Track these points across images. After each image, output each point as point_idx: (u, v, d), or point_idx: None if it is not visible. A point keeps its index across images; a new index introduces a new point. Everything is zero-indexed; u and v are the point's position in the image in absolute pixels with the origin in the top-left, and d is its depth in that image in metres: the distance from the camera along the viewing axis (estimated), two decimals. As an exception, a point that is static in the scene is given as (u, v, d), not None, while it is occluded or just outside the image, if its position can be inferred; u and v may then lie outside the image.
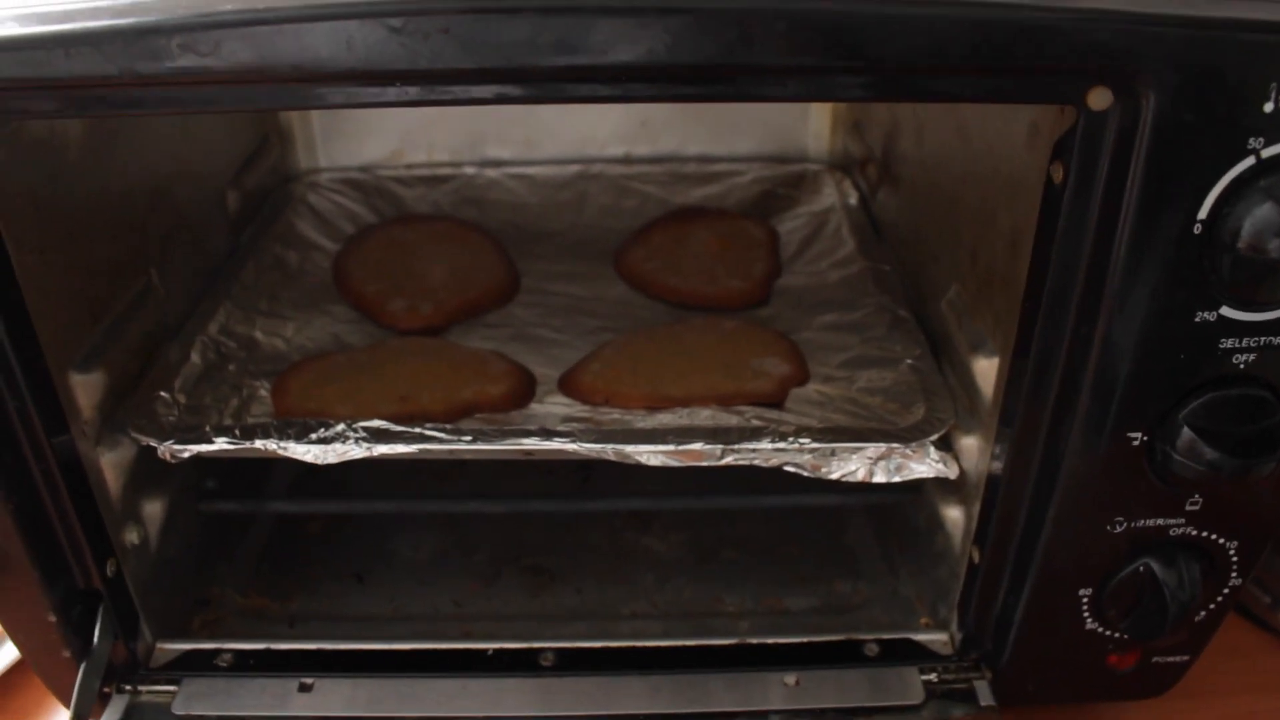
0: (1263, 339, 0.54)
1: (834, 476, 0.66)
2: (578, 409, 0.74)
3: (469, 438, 0.65)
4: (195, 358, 0.75)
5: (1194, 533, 0.61)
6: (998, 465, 0.62)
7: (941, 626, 0.72)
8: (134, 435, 0.66)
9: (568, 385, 0.76)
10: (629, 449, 0.65)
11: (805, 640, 0.71)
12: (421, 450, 0.65)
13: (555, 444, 0.65)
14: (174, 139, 0.78)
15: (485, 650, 0.70)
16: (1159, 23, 0.48)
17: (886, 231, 0.92)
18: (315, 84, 0.46)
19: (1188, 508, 0.60)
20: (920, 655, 0.71)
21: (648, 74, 0.47)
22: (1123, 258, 0.52)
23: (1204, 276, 0.52)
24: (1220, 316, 0.53)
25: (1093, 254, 0.52)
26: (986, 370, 0.64)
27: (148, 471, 0.69)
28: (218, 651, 0.70)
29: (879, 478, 0.66)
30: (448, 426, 0.66)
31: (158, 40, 0.45)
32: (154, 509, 0.71)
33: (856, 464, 0.66)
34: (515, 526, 0.87)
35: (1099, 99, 0.49)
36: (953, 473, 0.66)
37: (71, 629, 0.63)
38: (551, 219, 1.01)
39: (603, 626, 0.77)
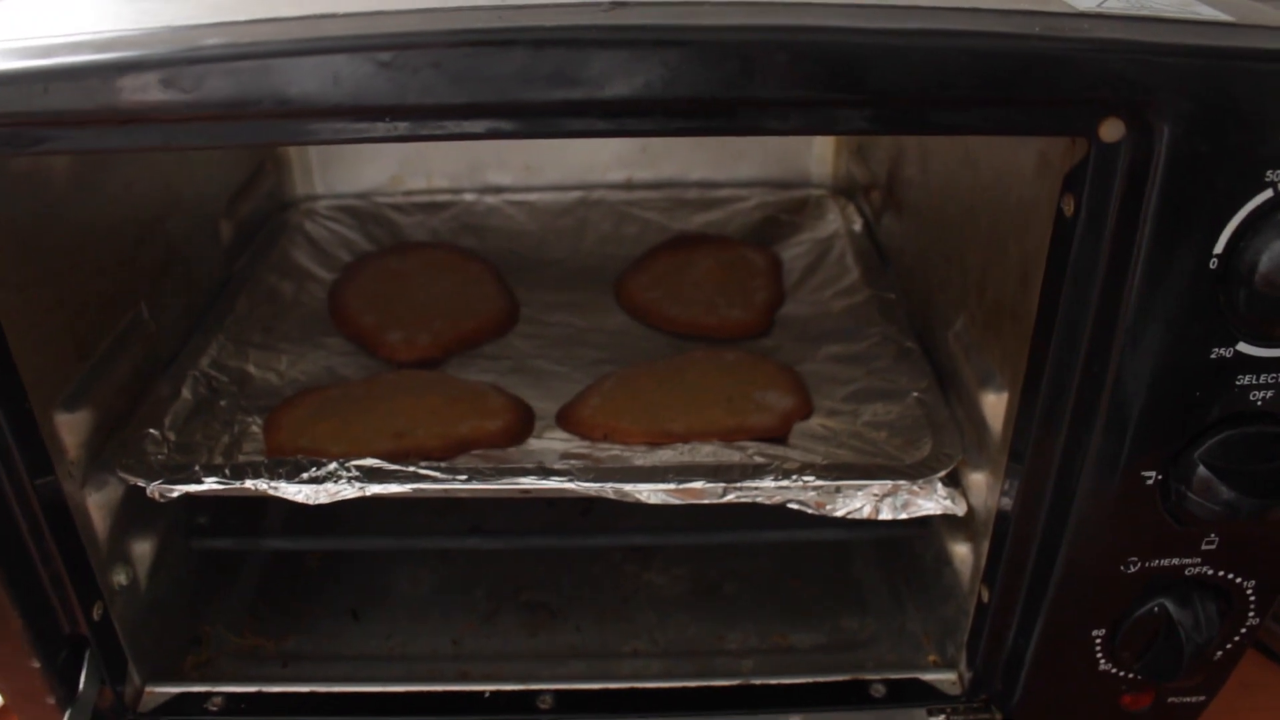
0: (1280, 375, 0.52)
1: (839, 514, 0.65)
2: (577, 445, 0.72)
3: (464, 477, 0.64)
4: (186, 393, 0.73)
5: (1210, 572, 0.59)
6: (1007, 502, 0.60)
7: (950, 665, 0.70)
8: (121, 475, 0.64)
9: (567, 420, 0.75)
10: (628, 487, 0.63)
11: (810, 680, 0.70)
12: (415, 490, 0.63)
13: (553, 483, 0.64)
14: (165, 169, 0.76)
15: (482, 692, 0.68)
16: (1172, 53, 0.46)
17: (892, 258, 0.90)
18: (301, 120, 0.45)
19: (1204, 547, 0.58)
20: (928, 696, 0.69)
21: (644, 108, 0.46)
22: (1136, 293, 0.50)
23: (1220, 312, 0.50)
24: (1237, 353, 0.51)
25: (1105, 288, 0.51)
26: (995, 405, 0.62)
27: (137, 510, 0.68)
28: (209, 695, 0.69)
29: (885, 515, 0.65)
30: (443, 465, 0.65)
31: (140, 75, 0.43)
32: (143, 548, 0.70)
33: (862, 501, 0.65)
34: (514, 561, 0.85)
35: (1111, 131, 0.48)
36: (960, 510, 0.65)
37: (56, 675, 0.62)
38: (551, 247, 1.00)
39: (602, 666, 0.75)
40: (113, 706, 0.66)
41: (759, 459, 0.68)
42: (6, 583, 0.57)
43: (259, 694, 0.69)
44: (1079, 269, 0.51)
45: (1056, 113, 0.48)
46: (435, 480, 0.64)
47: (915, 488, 0.65)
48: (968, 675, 0.68)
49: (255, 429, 0.74)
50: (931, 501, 0.65)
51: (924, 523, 0.69)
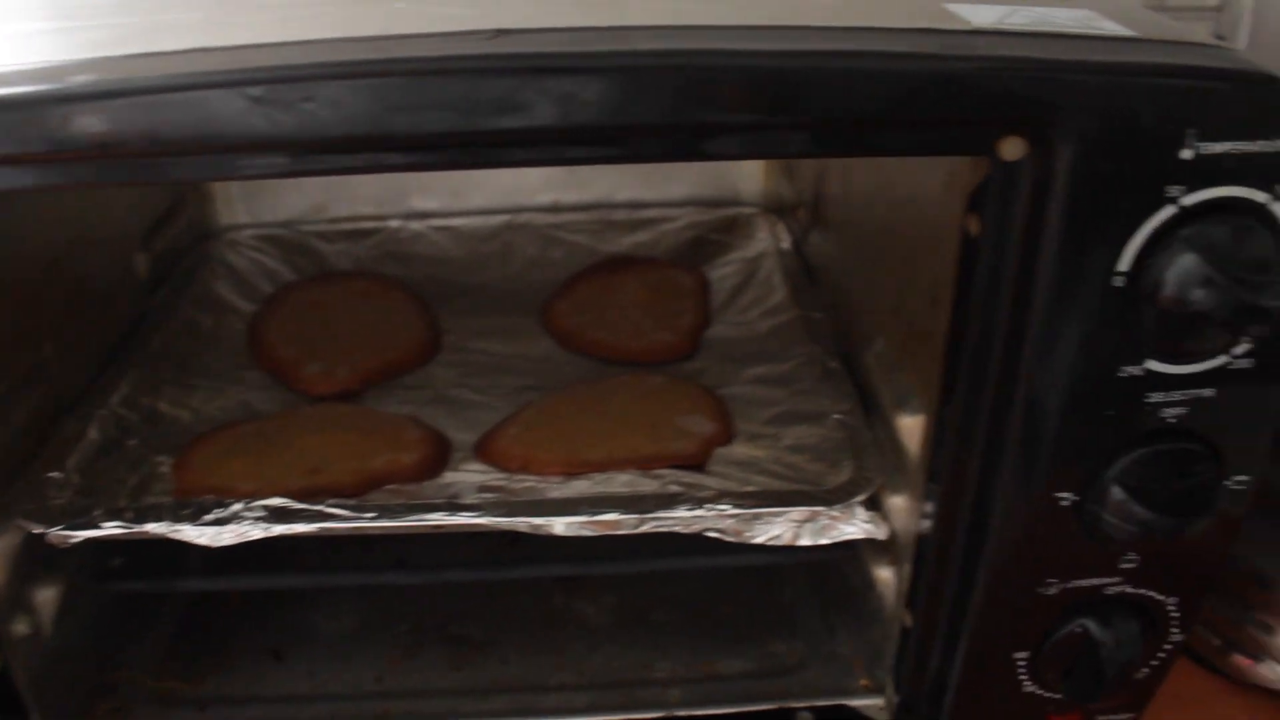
0: (1191, 392, 0.52)
1: (758, 541, 0.64)
2: (493, 476, 0.71)
3: (373, 514, 0.62)
4: (93, 433, 0.71)
5: (1131, 591, 0.59)
6: (926, 526, 0.59)
7: (879, 690, 0.70)
8: (20, 522, 0.62)
9: (485, 451, 0.73)
10: (540, 521, 0.62)
11: (736, 711, 0.68)
12: (323, 529, 0.62)
13: (462, 518, 0.62)
14: (73, 203, 0.74)
15: (401, 731, 0.67)
16: (1071, 69, 0.46)
17: (819, 277, 0.90)
18: (175, 157, 0.43)
19: (1123, 566, 0.58)
20: (855, 722, 0.69)
21: (535, 137, 0.45)
22: (1043, 312, 0.50)
23: (1128, 330, 0.50)
24: (1147, 370, 0.51)
25: (1012, 309, 0.50)
26: (912, 427, 0.62)
27: (41, 556, 0.65)
28: (121, 744, 0.67)
29: (805, 540, 0.64)
30: (351, 503, 0.63)
31: (4, 115, 0.42)
32: (47, 595, 0.67)
33: (781, 528, 0.64)
34: (440, 595, 0.83)
35: (1011, 150, 0.47)
36: (882, 534, 0.64)
37: (-48, 731, 0.60)
38: (477, 272, 0.98)
39: (528, 700, 0.73)
40: (17, 761, 0.64)
41: (674, 488, 0.67)
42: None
43: (174, 740, 0.67)
44: (985, 290, 0.51)
45: (955, 132, 0.47)
46: (343, 519, 0.62)
47: (835, 513, 0.64)
48: (895, 700, 0.67)
49: (165, 469, 0.72)
50: (852, 526, 0.64)
51: (850, 546, 0.68)
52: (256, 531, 0.61)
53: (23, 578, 0.65)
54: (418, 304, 0.92)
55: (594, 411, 0.76)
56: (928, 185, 0.57)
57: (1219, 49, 0.49)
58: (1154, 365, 0.51)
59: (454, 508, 0.63)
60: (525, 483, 0.70)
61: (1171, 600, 0.60)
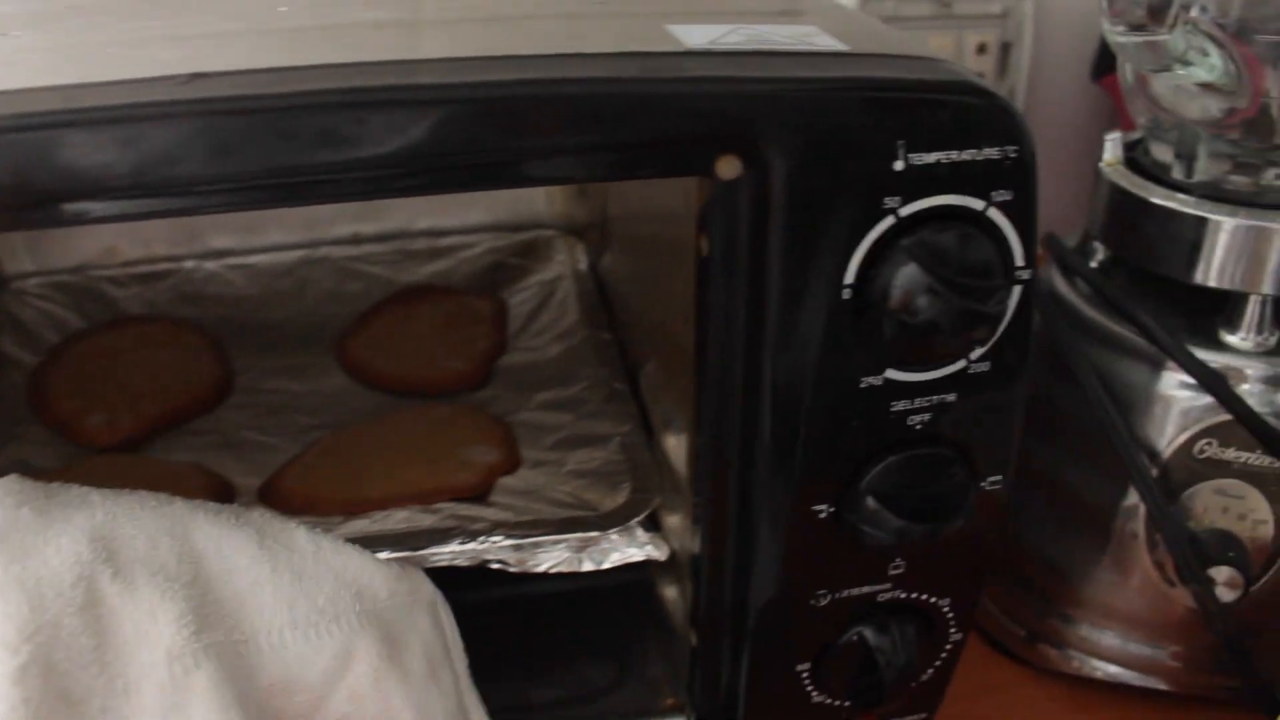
0: (934, 398, 0.53)
1: (541, 569, 0.63)
2: (273, 521, 0.69)
3: None
4: None
5: (903, 595, 0.59)
6: (698, 544, 0.59)
7: (682, 709, 0.69)
8: None
9: (268, 494, 0.71)
10: None
11: (539, 740, 0.68)
12: None
13: None
14: None
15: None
16: (774, 84, 0.46)
17: (612, 298, 0.89)
18: None
19: (892, 572, 0.58)
20: (660, 744, 0.68)
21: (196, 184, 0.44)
22: (777, 328, 0.50)
23: (862, 341, 0.50)
24: (887, 380, 0.51)
25: (748, 326, 0.50)
26: (678, 447, 0.62)
27: None
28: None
29: (588, 566, 0.63)
30: None
31: None
32: None
33: (561, 554, 0.63)
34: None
35: (727, 168, 0.47)
36: (662, 554, 0.63)
37: None
38: (271, 309, 0.96)
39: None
40: None
41: (449, 522, 0.66)
42: None
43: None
44: (720, 308, 0.51)
45: (672, 154, 0.47)
46: None
47: (614, 536, 0.63)
48: (693, 717, 0.67)
49: None
50: (633, 548, 0.63)
51: (640, 568, 0.68)
52: None
53: None
54: (210, 346, 0.89)
55: (378, 446, 0.75)
56: (671, 206, 0.57)
57: (935, 61, 0.50)
58: (893, 374, 0.51)
59: None
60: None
61: (944, 601, 0.60)
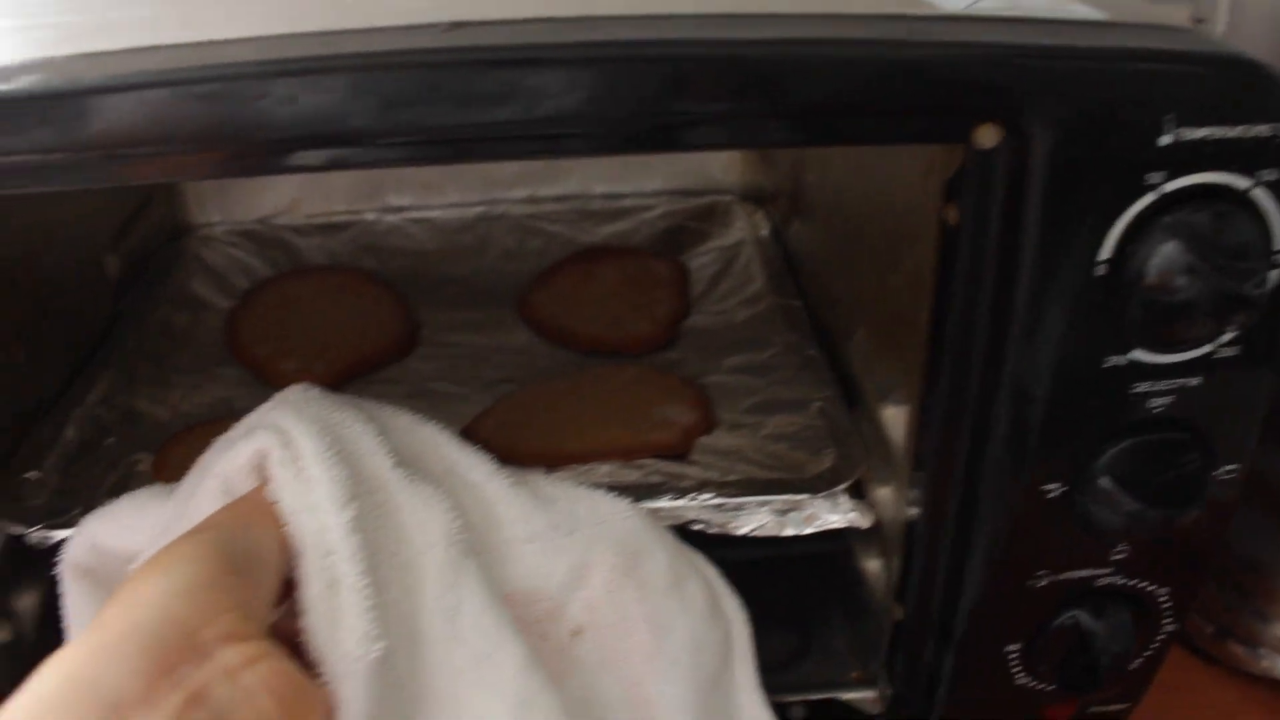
0: (1178, 381, 0.51)
1: (742, 532, 0.63)
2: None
3: None
4: (70, 433, 0.71)
5: (1123, 582, 0.58)
6: (914, 517, 0.58)
7: (871, 683, 0.69)
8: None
9: (464, 444, 0.73)
10: None
11: (726, 708, 0.67)
12: None
13: None
14: (38, 207, 0.73)
15: None
16: (1043, 54, 0.45)
17: (801, 266, 0.89)
18: (124, 160, 0.42)
19: (1114, 557, 0.57)
20: (849, 715, 0.68)
21: (501, 132, 0.44)
22: (1025, 303, 0.49)
23: (1112, 319, 0.49)
24: (1132, 360, 0.50)
25: (994, 299, 0.49)
26: (896, 418, 0.61)
27: (21, 560, 0.65)
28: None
29: (789, 531, 0.63)
30: None
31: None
32: (29, 601, 0.67)
33: (764, 517, 0.63)
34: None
35: (986, 137, 0.46)
36: (866, 522, 0.63)
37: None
38: (453, 264, 0.97)
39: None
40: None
41: (656, 478, 0.67)
42: None
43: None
44: (966, 279, 0.49)
45: (929, 120, 0.46)
46: None
47: (819, 501, 0.63)
48: (888, 693, 0.67)
49: (144, 467, 0.71)
50: (836, 515, 0.63)
51: (837, 537, 0.67)
52: None
53: (3, 583, 0.64)
54: (394, 297, 0.91)
55: (572, 403, 0.75)
56: (907, 173, 0.56)
57: (1193, 32, 0.48)
58: (1139, 355, 0.50)
59: None
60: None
61: (1163, 590, 0.59)
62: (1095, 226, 0.47)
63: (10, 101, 0.41)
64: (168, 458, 0.71)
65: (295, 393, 0.56)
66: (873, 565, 0.67)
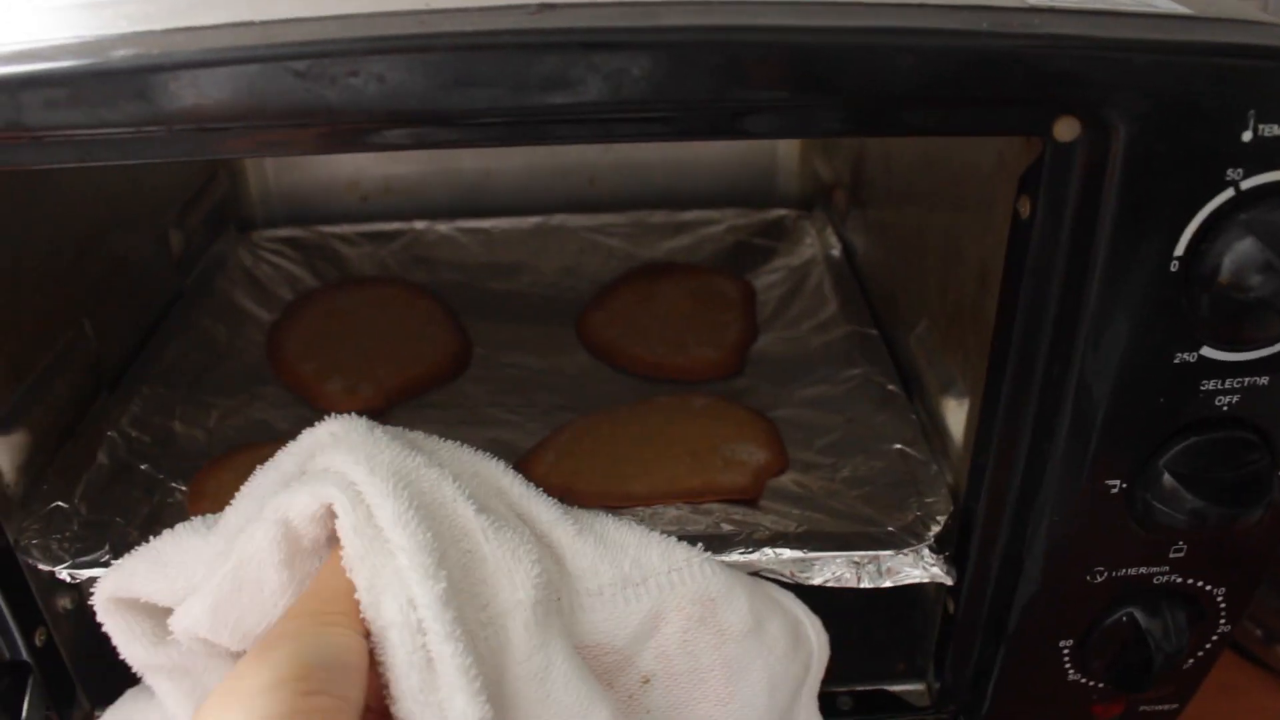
0: (1246, 380, 0.51)
1: (816, 583, 0.60)
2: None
3: None
4: (102, 457, 0.68)
5: (1179, 580, 0.58)
6: (970, 510, 0.59)
7: (918, 676, 0.69)
8: (26, 561, 0.59)
9: (520, 478, 0.70)
10: None
11: (774, 697, 0.68)
12: None
13: None
14: (108, 179, 0.74)
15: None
16: (1127, 48, 0.45)
17: (858, 260, 0.88)
18: (219, 133, 0.43)
19: (1171, 555, 0.57)
20: (895, 707, 0.68)
21: (581, 113, 0.44)
22: (1096, 297, 0.49)
23: (1183, 315, 0.49)
24: (1201, 357, 0.50)
25: (1064, 293, 0.49)
26: (957, 411, 0.61)
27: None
28: (161, 718, 0.66)
29: (866, 584, 0.60)
30: None
31: (45, 91, 0.41)
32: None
33: (840, 569, 0.60)
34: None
35: (1065, 130, 0.46)
36: (951, 579, 0.60)
37: (-4, 705, 0.60)
38: (507, 279, 0.95)
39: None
40: (59, 735, 0.64)
41: (727, 527, 0.63)
42: (-63, 611, 0.55)
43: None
44: (1036, 272, 0.50)
45: (1008, 112, 0.46)
46: None
47: (902, 557, 0.60)
48: (935, 686, 0.67)
49: (180, 497, 0.67)
50: (919, 569, 0.60)
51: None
52: None
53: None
54: (445, 313, 0.88)
55: (635, 437, 0.71)
56: (976, 165, 0.56)
57: (1277, 27, 0.48)
58: (1208, 352, 0.50)
59: None
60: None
61: (1220, 590, 0.59)
62: (1171, 222, 0.47)
63: (107, 75, 0.41)
64: (204, 487, 0.67)
65: (357, 432, 0.52)
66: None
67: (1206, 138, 0.45)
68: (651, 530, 0.58)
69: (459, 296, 0.90)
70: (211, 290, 0.89)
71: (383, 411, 0.76)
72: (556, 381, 0.81)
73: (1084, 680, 0.62)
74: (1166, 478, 0.53)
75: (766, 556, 0.59)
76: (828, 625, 0.68)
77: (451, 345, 0.83)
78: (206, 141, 0.44)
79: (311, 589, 0.47)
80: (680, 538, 0.58)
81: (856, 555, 0.60)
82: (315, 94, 0.41)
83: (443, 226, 0.99)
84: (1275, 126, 0.45)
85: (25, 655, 0.61)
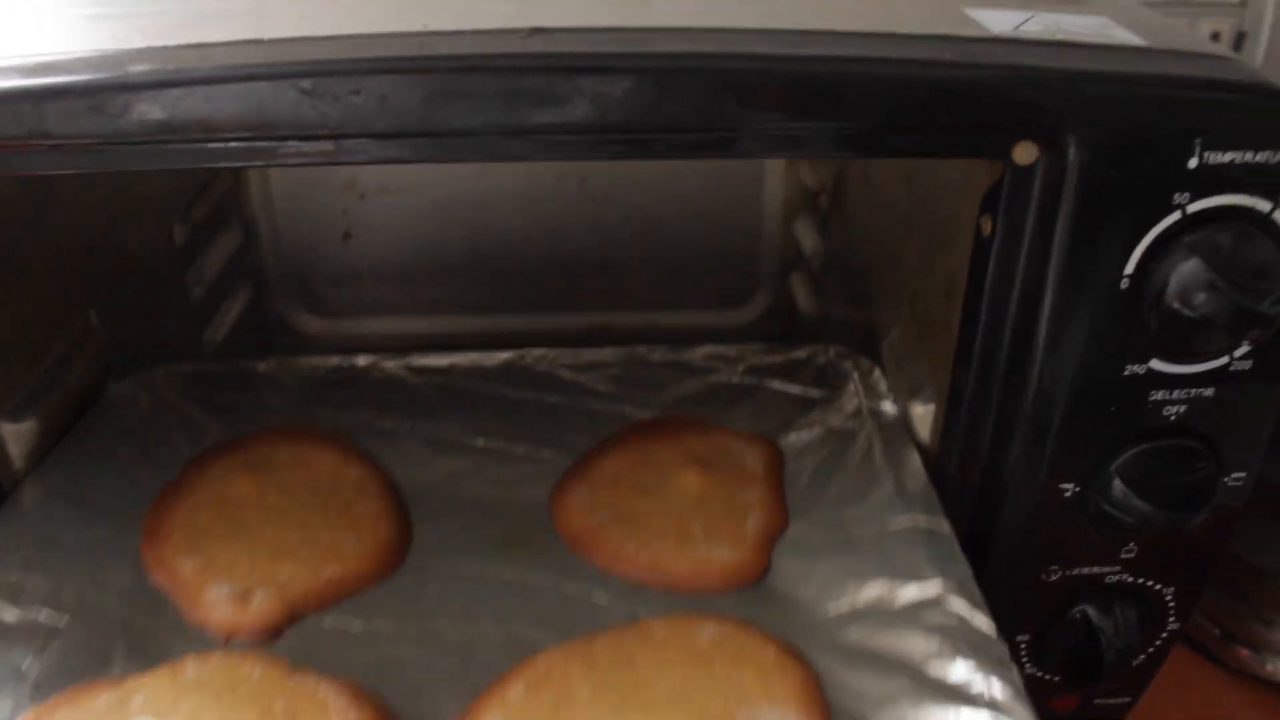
0: (1192, 391, 0.54)
1: None
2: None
3: None
4: None
5: (1130, 580, 0.61)
6: (935, 512, 0.61)
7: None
8: None
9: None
10: None
11: None
12: None
13: None
14: (116, 178, 0.76)
15: None
16: (1081, 79, 0.48)
17: (835, 264, 0.91)
18: (229, 143, 0.46)
19: (1123, 555, 0.60)
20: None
21: (573, 130, 0.47)
22: (1051, 310, 0.52)
23: (1133, 330, 0.52)
24: (1150, 370, 0.53)
25: (1021, 306, 0.52)
26: (924, 416, 0.64)
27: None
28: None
29: None
30: None
31: (68, 101, 0.44)
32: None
33: None
34: None
35: (1024, 154, 0.49)
36: None
37: None
38: (464, 435, 0.73)
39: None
40: None
41: None
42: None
43: None
44: (997, 286, 0.53)
45: (972, 137, 0.49)
46: None
47: None
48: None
49: None
50: None
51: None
52: None
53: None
54: (381, 485, 0.67)
55: (618, 689, 0.52)
56: (945, 184, 0.59)
57: (1228, 60, 0.51)
58: (1157, 365, 0.53)
59: None
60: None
61: (1169, 590, 0.62)
62: (1121, 242, 0.50)
63: (125, 88, 0.44)
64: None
65: None
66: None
67: (1155, 164, 0.48)
68: None
69: (400, 458, 0.70)
70: (82, 430, 0.70)
71: (281, 630, 0.57)
72: (517, 592, 0.60)
73: (1041, 674, 0.65)
74: (1117, 482, 0.56)
75: None
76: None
77: (383, 531, 0.63)
78: (216, 151, 0.46)
79: None
80: None
81: None
82: (320, 110, 0.44)
83: (390, 364, 0.79)
84: (1219, 154, 0.48)
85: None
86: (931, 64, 0.48)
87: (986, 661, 0.50)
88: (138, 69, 0.44)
